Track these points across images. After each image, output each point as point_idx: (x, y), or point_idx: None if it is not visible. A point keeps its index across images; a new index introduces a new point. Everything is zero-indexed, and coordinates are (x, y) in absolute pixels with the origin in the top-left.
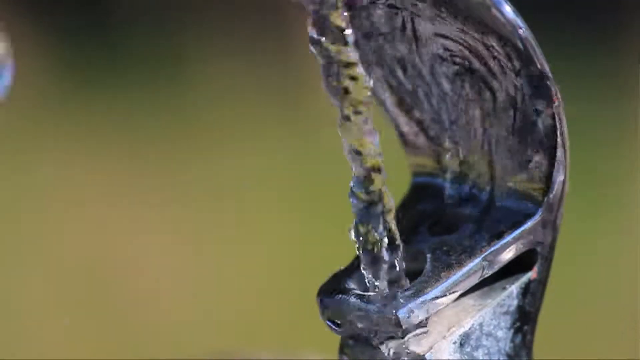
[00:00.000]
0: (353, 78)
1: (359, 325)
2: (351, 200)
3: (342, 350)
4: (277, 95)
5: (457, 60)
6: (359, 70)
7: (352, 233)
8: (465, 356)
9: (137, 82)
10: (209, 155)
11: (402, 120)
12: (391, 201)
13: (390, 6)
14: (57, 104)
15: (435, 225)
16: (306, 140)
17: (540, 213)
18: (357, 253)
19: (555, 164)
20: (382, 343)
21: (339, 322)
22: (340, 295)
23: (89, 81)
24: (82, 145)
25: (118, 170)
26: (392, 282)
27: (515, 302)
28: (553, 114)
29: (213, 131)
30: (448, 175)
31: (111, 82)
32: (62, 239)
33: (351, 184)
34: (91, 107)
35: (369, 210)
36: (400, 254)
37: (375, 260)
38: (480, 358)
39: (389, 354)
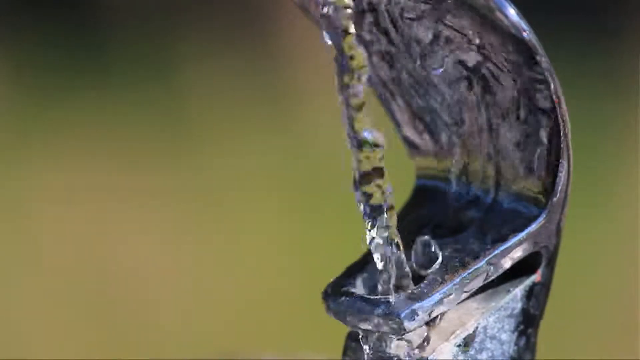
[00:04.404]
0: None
1: (363, 327)
2: (356, 202)
3: (345, 352)
4: (269, 95)
5: (462, 62)
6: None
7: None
8: (469, 359)
9: (127, 83)
10: (205, 155)
11: (406, 122)
12: (393, 203)
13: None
14: (46, 104)
15: (439, 227)
16: (299, 140)
17: (544, 216)
18: (362, 255)
19: (559, 167)
20: (385, 345)
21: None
22: (344, 298)
23: (78, 82)
24: (74, 146)
25: (114, 171)
26: (396, 285)
27: (519, 305)
28: (557, 116)
29: (207, 131)
30: (452, 178)
31: (100, 83)
32: (57, 239)
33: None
34: (81, 109)
35: (371, 213)
36: (403, 257)
37: (379, 263)
38: None
39: (392, 356)
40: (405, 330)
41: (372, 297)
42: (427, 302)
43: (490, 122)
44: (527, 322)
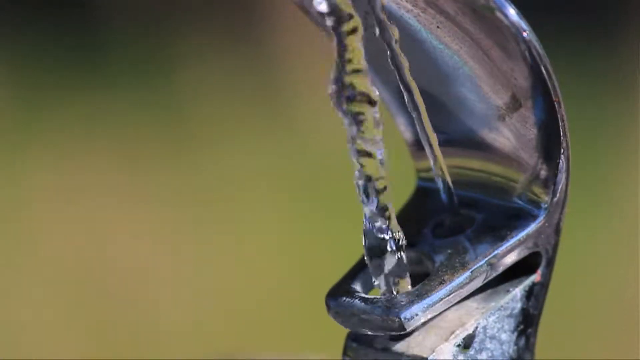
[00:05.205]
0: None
1: (363, 327)
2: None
3: (345, 352)
4: (270, 95)
5: (461, 63)
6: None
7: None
8: (469, 359)
9: (127, 83)
10: (205, 155)
11: (409, 123)
12: (392, 202)
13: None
14: (46, 104)
15: (439, 228)
16: (299, 140)
17: (543, 216)
18: (364, 255)
19: (559, 167)
20: (385, 345)
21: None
22: (345, 298)
23: (78, 82)
24: (74, 146)
25: (114, 171)
26: (396, 285)
27: (519, 305)
28: (556, 116)
29: (207, 131)
30: (453, 179)
31: (100, 83)
32: (57, 239)
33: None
34: (81, 109)
35: (372, 213)
36: (404, 257)
37: (379, 263)
38: None
39: (392, 356)
40: (405, 330)
41: (372, 297)
42: (426, 302)
43: (490, 123)
44: (527, 322)
